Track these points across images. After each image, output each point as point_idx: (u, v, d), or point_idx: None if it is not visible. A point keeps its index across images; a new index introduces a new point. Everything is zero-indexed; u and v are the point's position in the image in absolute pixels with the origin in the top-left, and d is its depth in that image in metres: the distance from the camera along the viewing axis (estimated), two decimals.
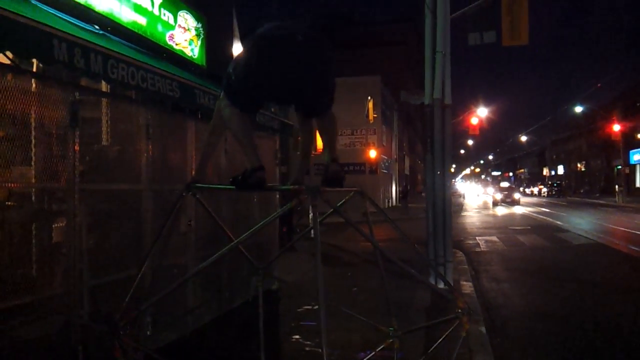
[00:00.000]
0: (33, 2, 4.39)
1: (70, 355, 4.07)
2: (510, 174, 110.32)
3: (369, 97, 24.66)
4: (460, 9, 9.97)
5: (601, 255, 12.74)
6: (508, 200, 41.82)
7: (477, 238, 16.62)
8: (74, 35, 3.72)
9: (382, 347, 3.83)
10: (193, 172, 5.79)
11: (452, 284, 8.13)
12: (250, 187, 2.84)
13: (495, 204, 41.44)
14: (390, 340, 3.75)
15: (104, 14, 5.99)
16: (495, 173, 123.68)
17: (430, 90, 8.27)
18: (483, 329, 5.99)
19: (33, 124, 3.95)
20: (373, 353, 4.94)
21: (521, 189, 62.72)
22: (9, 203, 4.02)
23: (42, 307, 4.05)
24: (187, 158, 5.76)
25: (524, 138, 71.04)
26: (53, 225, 4.32)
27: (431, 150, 8.34)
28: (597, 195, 51.34)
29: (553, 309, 7.46)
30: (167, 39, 8.10)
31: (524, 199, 46.68)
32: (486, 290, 8.78)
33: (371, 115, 24.45)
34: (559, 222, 22.33)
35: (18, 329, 3.97)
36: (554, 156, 79.37)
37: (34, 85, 3.93)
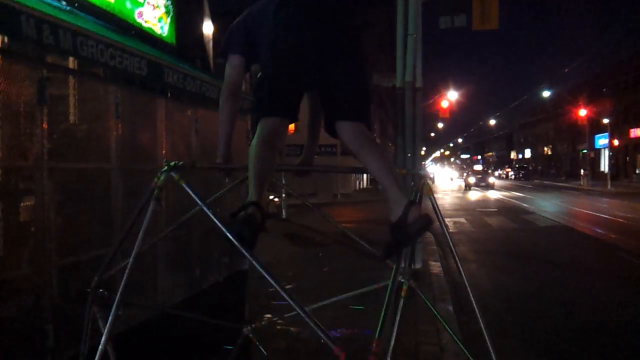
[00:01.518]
0: None
1: (41, 335, 4.04)
2: (479, 157, 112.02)
3: None
4: None
5: (564, 237, 13.14)
6: (482, 184, 39.83)
7: (445, 220, 16.90)
8: (41, 12, 3.63)
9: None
10: (164, 152, 5.74)
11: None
12: (238, 223, 2.19)
13: (467, 187, 39.30)
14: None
15: None
16: (464, 156, 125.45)
17: (401, 73, 8.32)
18: (450, 308, 6.15)
19: None
20: (343, 330, 5.05)
21: (489, 171, 64.01)
22: None
23: (11, 287, 4.00)
24: (157, 137, 5.70)
25: (492, 121, 72.08)
26: (21, 204, 4.25)
27: (402, 133, 8.42)
28: (563, 178, 52.59)
29: (517, 288, 7.70)
30: (135, 16, 7.95)
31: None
32: (453, 270, 8.97)
33: None
34: (525, 205, 22.86)
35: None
36: (522, 140, 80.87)
37: None
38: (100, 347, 1.84)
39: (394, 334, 2.98)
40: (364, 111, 2.45)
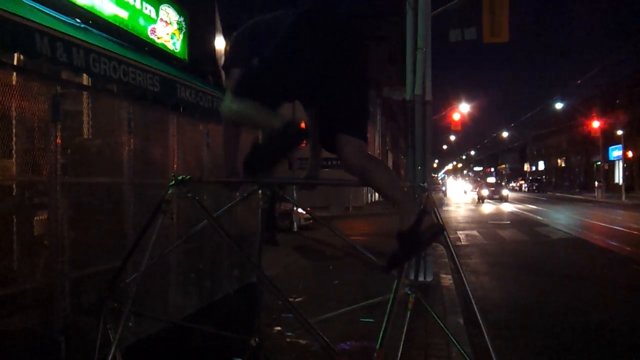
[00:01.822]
0: None
1: (53, 346, 4.11)
2: (492, 169, 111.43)
3: None
4: (441, 6, 10.11)
5: (578, 249, 13.02)
6: (495, 196, 39.74)
7: (457, 232, 16.82)
8: (55, 30, 3.74)
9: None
10: (175, 167, 5.83)
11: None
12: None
13: (480, 199, 39.25)
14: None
15: (85, 7, 5.99)
16: (477, 168, 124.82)
17: (411, 86, 8.37)
18: (461, 321, 6.12)
19: (14, 117, 3.96)
20: (352, 342, 5.06)
21: (502, 183, 63.41)
22: None
23: (24, 299, 4.08)
24: (169, 152, 5.80)
25: (505, 134, 71.77)
26: (35, 218, 4.34)
27: (412, 146, 8.45)
28: (577, 190, 52.14)
29: (529, 301, 7.64)
30: (148, 32, 8.09)
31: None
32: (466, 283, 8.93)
33: None
34: (538, 217, 22.70)
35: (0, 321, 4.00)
36: (535, 152, 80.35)
37: (14, 78, 3.95)
38: (109, 357, 1.88)
39: (401, 347, 2.99)
40: (362, 126, 2.47)
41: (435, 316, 2.84)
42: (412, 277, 8.31)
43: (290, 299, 6.93)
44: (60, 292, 4.20)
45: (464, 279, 2.58)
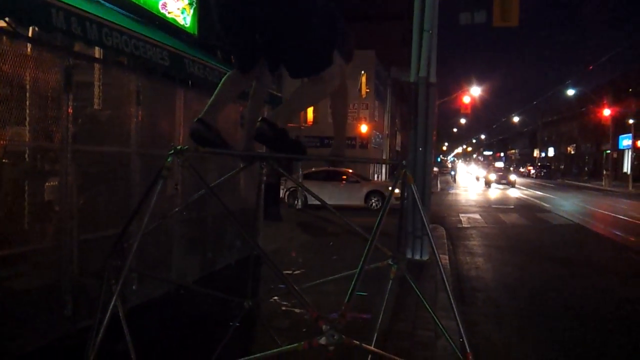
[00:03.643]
0: None
1: (60, 305, 4.37)
2: (502, 154, 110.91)
3: (362, 72, 24.75)
4: None
5: (577, 235, 13.19)
6: (503, 181, 39.71)
7: (460, 215, 17.01)
8: (70, 5, 3.92)
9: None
10: (181, 139, 6.04)
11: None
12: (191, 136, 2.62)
13: (487, 184, 38.99)
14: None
15: None
16: (487, 152, 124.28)
17: (416, 68, 8.48)
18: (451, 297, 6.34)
19: (28, 87, 4.16)
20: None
21: (511, 168, 62.93)
22: (4, 160, 4.26)
23: (34, 259, 4.33)
24: (175, 124, 6.00)
25: (516, 119, 71.29)
26: (46, 184, 4.57)
27: (415, 127, 8.59)
28: (586, 178, 51.95)
29: (520, 282, 7.86)
30: (159, 7, 8.23)
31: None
32: (461, 263, 9.17)
33: (364, 89, 24.60)
34: (543, 203, 22.81)
35: (11, 279, 4.26)
36: (545, 138, 79.81)
37: (29, 49, 4.14)
38: (110, 306, 2.10)
39: (381, 314, 3.20)
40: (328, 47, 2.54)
41: (415, 289, 3.02)
42: (409, 255, 8.56)
43: (289, 272, 7.19)
44: (68, 254, 4.45)
45: (437, 257, 2.79)
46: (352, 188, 18.18)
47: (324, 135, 29.80)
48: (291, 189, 17.57)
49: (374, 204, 17.62)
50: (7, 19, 3.53)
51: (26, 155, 4.39)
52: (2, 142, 4.04)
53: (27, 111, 4.17)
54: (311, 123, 18.41)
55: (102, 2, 5.80)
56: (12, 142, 4.09)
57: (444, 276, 2.77)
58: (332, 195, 16.54)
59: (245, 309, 3.53)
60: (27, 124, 4.20)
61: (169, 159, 2.25)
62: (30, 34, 4.36)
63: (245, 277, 5.03)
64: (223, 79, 2.72)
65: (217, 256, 6.91)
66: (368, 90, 26.43)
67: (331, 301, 5.62)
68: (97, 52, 5.41)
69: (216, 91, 2.68)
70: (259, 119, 2.52)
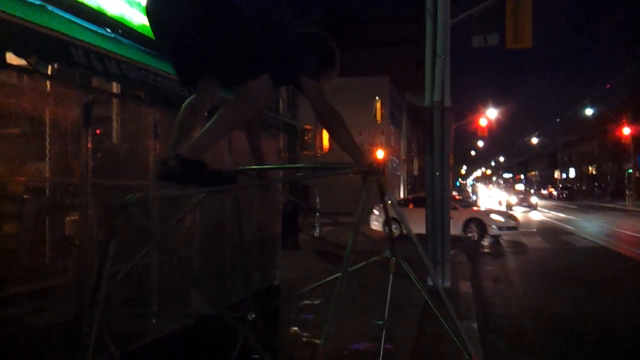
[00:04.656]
0: (50, 8, 4.69)
1: (79, 340, 4.35)
2: (522, 176, 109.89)
3: (377, 97, 24.86)
4: (463, 11, 10.17)
5: (602, 258, 12.90)
6: (524, 204, 39.14)
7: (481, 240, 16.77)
8: (88, 42, 4.01)
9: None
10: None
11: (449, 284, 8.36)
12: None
13: (508, 207, 37.20)
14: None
15: (115, 17, 6.29)
16: (506, 175, 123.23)
17: (430, 93, 8.48)
18: (474, 325, 6.21)
19: (48, 123, 4.23)
20: (363, 343, 5.21)
21: (532, 191, 62.03)
22: (25, 196, 4.31)
23: (55, 294, 4.33)
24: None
25: (534, 140, 70.77)
26: (66, 218, 4.60)
27: (431, 152, 8.55)
28: (608, 198, 51.12)
29: (546, 308, 7.67)
30: None
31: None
32: (484, 289, 9.00)
33: (379, 115, 24.67)
34: (566, 226, 22.43)
35: (32, 315, 4.26)
36: (566, 158, 79.01)
37: (49, 86, 4.22)
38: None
39: (386, 312, 3.10)
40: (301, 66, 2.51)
41: (415, 280, 2.91)
42: (429, 282, 8.43)
43: (308, 302, 7.12)
44: (89, 288, 4.45)
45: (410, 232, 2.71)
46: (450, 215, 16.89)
47: (341, 162, 29.81)
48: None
49: (474, 235, 15.86)
50: (29, 58, 3.63)
51: (46, 190, 4.43)
52: (22, 178, 4.09)
53: (47, 147, 4.23)
54: (327, 150, 18.41)
55: (119, 37, 5.94)
56: (32, 178, 4.14)
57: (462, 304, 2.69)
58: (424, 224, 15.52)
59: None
60: (47, 159, 4.26)
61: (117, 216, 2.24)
62: (49, 72, 4.46)
63: (263, 311, 4.98)
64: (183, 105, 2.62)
65: (235, 288, 6.86)
66: (383, 111, 26.44)
67: (351, 330, 5.57)
68: (115, 87, 5.51)
69: (177, 119, 2.60)
70: (173, 155, 2.40)
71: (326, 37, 2.78)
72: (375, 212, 17.14)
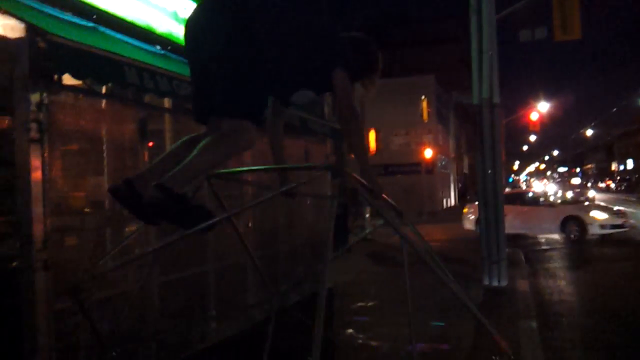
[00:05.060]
0: (102, 29, 4.90)
1: (144, 349, 4.51)
2: (578, 169, 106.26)
3: (423, 97, 24.63)
4: (508, 6, 9.98)
5: None
6: (581, 198, 36.43)
7: (538, 236, 16.32)
8: (139, 61, 4.18)
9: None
10: (249, 178, 6.19)
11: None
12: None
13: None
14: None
15: (164, 34, 6.48)
16: (561, 169, 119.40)
17: (477, 90, 8.36)
18: (534, 324, 6.07)
19: (105, 139, 4.42)
20: (422, 345, 5.18)
21: (589, 184, 59.64)
22: (86, 210, 4.52)
23: (118, 301, 4.52)
24: (242, 164, 6.17)
25: (589, 132, 68.34)
26: (125, 229, 4.79)
27: (481, 150, 8.43)
28: None
29: (607, 305, 7.41)
30: None
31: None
32: (542, 287, 8.78)
33: (425, 114, 24.44)
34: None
35: (98, 322, 4.45)
36: (623, 150, 75.96)
37: (104, 104, 4.42)
38: None
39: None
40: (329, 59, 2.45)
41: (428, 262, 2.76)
42: (486, 282, 8.28)
43: (362, 304, 7.13)
44: (150, 295, 4.62)
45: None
46: (546, 213, 15.44)
47: (389, 162, 29.71)
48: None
49: (573, 234, 14.59)
50: (85, 80, 3.82)
51: (106, 203, 4.63)
52: (83, 192, 4.29)
53: (105, 161, 4.42)
54: (374, 152, 18.39)
55: (169, 54, 6.11)
56: (92, 192, 4.34)
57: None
58: (523, 222, 14.90)
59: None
60: (105, 173, 4.45)
61: None
62: (104, 91, 4.66)
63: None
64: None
65: (289, 292, 6.95)
66: (429, 110, 26.15)
67: (406, 333, 5.54)
68: (167, 102, 5.71)
69: (172, 147, 2.66)
70: (153, 185, 2.22)
71: (368, 39, 2.73)
72: (469, 211, 16.60)
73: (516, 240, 14.16)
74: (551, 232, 15.24)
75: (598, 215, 14.61)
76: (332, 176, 2.56)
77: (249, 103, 2.34)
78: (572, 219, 14.57)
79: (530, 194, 17.74)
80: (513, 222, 14.30)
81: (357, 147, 2.54)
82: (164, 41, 6.21)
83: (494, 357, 3.18)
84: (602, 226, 14.26)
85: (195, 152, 2.29)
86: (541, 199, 16.61)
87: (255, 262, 3.51)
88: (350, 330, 5.85)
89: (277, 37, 2.37)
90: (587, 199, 37.42)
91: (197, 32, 2.44)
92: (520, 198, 16.85)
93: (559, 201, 16.63)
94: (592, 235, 14.34)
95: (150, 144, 4.72)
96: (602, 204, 15.73)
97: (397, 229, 2.64)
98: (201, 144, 2.31)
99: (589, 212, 14.89)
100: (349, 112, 2.45)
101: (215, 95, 2.36)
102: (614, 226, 14.25)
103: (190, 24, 2.50)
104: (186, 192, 2.30)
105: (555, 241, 15.09)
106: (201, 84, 2.48)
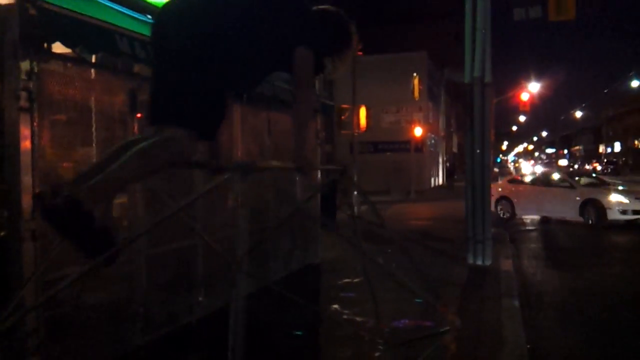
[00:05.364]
0: None
1: (132, 318, 4.55)
2: (565, 151, 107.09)
3: (414, 74, 24.54)
4: None
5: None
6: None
7: (523, 217, 16.50)
8: (131, 30, 4.13)
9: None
10: (239, 153, 6.18)
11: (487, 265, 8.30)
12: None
13: None
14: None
15: (155, 4, 6.39)
16: (549, 150, 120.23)
17: (469, 68, 8.33)
18: (516, 303, 6.17)
19: (94, 109, 4.38)
20: (406, 321, 5.27)
21: (576, 166, 60.17)
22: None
23: (106, 274, 4.53)
24: (233, 140, 6.16)
25: (578, 114, 68.66)
26: (114, 201, 4.78)
27: (471, 129, 8.45)
28: None
29: (587, 285, 7.57)
30: None
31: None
32: (526, 267, 8.92)
33: (416, 92, 24.38)
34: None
35: (85, 293, 4.47)
36: (611, 133, 76.54)
37: (94, 74, 4.36)
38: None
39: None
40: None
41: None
42: (470, 260, 8.38)
43: (348, 280, 7.21)
44: (137, 267, 4.64)
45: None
46: (564, 195, 14.61)
47: (378, 140, 29.72)
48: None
49: (591, 219, 13.68)
50: (75, 48, 3.76)
51: None
52: (71, 163, 4.26)
53: (94, 133, 4.38)
54: (364, 129, 18.35)
55: None
56: (80, 163, 4.31)
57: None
58: (540, 204, 14.66)
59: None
60: (94, 145, 4.41)
61: None
62: (94, 60, 4.59)
63: (307, 287, 5.08)
64: None
65: (277, 266, 7.02)
66: (421, 88, 26.06)
67: (392, 309, 5.62)
68: None
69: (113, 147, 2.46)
70: (60, 189, 2.00)
71: (338, 12, 2.67)
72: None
73: (501, 222, 14.32)
74: (570, 214, 14.28)
75: (617, 198, 13.65)
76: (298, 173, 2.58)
77: (189, 111, 2.23)
78: (590, 203, 13.73)
79: (556, 175, 16.68)
80: (533, 203, 14.50)
81: (299, 127, 2.55)
82: (156, 10, 6.13)
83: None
84: (623, 212, 13.34)
85: (121, 160, 2.07)
86: (563, 182, 15.45)
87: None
88: (336, 306, 5.92)
89: (238, 26, 2.29)
90: None
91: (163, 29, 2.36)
92: (543, 179, 16.47)
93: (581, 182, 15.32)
94: (612, 220, 13.43)
95: (140, 115, 4.67)
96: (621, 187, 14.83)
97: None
98: (130, 152, 2.10)
99: (607, 194, 13.87)
100: (301, 94, 2.49)
101: (159, 99, 2.28)
102: (635, 212, 13.25)
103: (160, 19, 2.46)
104: (94, 211, 1.99)
105: (539, 221, 15.25)
106: (155, 86, 2.39)
